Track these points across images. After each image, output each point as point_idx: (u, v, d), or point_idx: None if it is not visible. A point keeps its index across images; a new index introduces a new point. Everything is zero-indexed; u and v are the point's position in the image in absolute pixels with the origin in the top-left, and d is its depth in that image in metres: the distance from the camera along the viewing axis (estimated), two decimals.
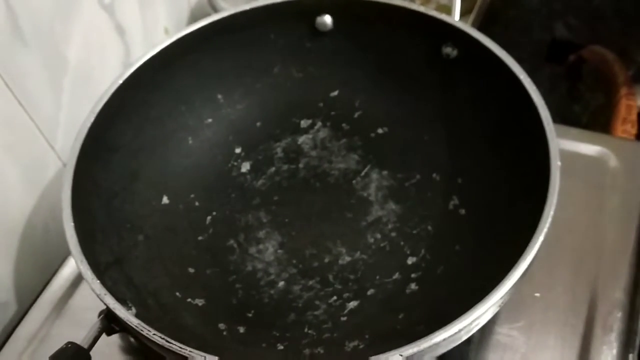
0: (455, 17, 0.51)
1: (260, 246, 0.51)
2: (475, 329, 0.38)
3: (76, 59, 0.56)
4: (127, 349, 0.49)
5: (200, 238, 0.52)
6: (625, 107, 0.65)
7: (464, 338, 0.38)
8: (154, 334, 0.36)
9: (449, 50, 0.52)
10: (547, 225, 0.38)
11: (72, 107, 0.56)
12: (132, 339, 0.49)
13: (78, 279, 0.54)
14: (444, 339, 0.35)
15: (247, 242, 0.52)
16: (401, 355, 0.35)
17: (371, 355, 0.35)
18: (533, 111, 0.44)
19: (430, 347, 0.35)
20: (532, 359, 0.46)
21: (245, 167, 0.56)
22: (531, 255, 0.37)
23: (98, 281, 0.39)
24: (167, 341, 0.36)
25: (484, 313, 0.36)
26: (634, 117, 0.65)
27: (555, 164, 0.41)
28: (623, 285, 0.49)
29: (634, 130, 0.65)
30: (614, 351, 0.46)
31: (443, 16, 0.51)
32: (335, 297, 0.48)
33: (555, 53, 0.81)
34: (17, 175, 0.53)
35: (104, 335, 0.40)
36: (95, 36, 0.59)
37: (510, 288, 0.36)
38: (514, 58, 0.47)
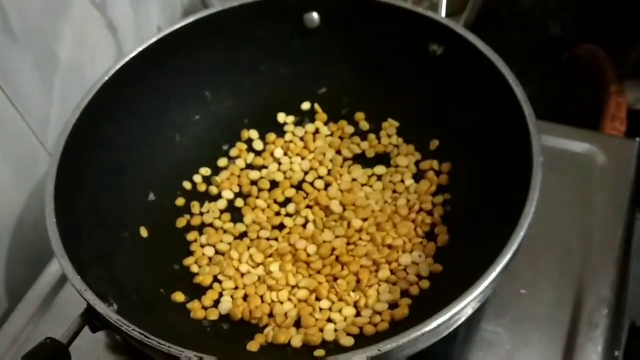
0: (441, 14, 0.51)
1: None
2: (455, 324, 0.37)
3: (67, 57, 0.56)
4: (113, 346, 0.49)
5: (186, 235, 0.52)
6: (614, 104, 0.65)
7: (445, 333, 0.37)
8: (133, 329, 0.36)
9: (435, 47, 0.52)
10: (528, 220, 0.38)
11: (63, 104, 0.56)
12: (117, 337, 0.49)
13: (65, 276, 0.54)
14: (423, 334, 0.35)
15: None
16: (379, 350, 0.35)
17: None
18: (516, 107, 0.44)
19: (408, 342, 0.35)
20: (517, 355, 0.46)
21: None
22: (511, 251, 0.37)
23: (78, 277, 0.39)
24: (145, 337, 0.36)
25: (463, 308, 0.36)
26: (623, 114, 0.65)
27: (538, 159, 0.41)
28: (609, 281, 0.48)
29: (623, 128, 0.65)
30: (599, 348, 0.46)
31: (429, 13, 0.51)
32: None
33: (549, 51, 0.80)
34: (8, 172, 0.53)
35: (89, 332, 0.40)
36: (87, 34, 0.59)
37: (489, 283, 0.36)
38: (508, 56, 0.47)
